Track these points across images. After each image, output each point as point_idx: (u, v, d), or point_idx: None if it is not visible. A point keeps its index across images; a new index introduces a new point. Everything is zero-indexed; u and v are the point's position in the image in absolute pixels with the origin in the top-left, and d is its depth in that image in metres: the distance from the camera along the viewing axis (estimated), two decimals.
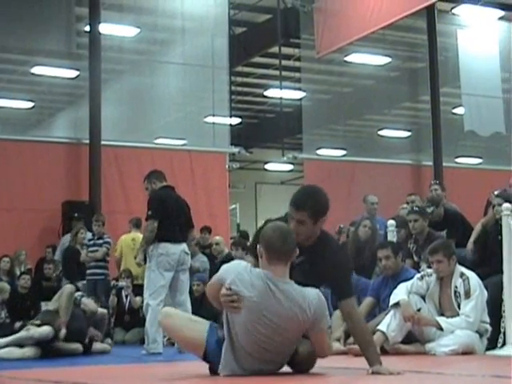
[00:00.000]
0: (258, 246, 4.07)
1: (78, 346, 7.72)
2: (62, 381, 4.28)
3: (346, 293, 4.26)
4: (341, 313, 4.50)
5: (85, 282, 11.08)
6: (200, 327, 4.20)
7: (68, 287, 8.01)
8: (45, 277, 11.68)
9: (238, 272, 4.02)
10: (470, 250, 7.38)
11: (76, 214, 12.43)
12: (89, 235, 11.43)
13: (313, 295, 4.02)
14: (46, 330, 7.46)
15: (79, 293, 8.60)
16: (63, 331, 7.52)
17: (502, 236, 6.66)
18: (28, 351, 7.37)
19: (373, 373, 4.10)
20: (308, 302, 3.98)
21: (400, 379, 3.98)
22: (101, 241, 11.19)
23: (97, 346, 8.11)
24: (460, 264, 6.30)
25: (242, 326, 3.97)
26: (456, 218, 8.34)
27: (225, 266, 4.16)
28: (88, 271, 11.17)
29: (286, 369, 4.20)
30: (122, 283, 10.68)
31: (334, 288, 4.40)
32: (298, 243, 4.10)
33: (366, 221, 8.75)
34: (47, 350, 7.42)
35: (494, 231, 7.15)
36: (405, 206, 9.73)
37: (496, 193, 7.49)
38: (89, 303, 8.23)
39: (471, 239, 7.49)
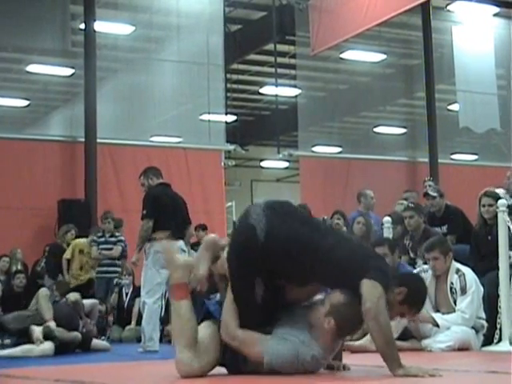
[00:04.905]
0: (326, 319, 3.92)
1: (77, 334, 7.78)
2: (59, 379, 4.29)
3: None
4: None
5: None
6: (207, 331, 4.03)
7: (42, 291, 8.06)
8: (40, 275, 11.67)
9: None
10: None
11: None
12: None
13: None
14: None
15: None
16: (52, 323, 7.57)
17: (491, 236, 6.68)
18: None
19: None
20: None
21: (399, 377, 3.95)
22: (113, 239, 11.13)
23: (97, 343, 8.15)
24: (456, 261, 6.31)
25: None
26: (457, 213, 8.35)
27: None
28: (100, 269, 11.12)
29: None
30: (124, 281, 10.71)
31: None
32: None
33: (360, 217, 8.79)
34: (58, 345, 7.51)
35: (482, 232, 7.15)
36: (401, 201, 9.75)
37: (485, 191, 7.43)
38: (71, 295, 8.31)
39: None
